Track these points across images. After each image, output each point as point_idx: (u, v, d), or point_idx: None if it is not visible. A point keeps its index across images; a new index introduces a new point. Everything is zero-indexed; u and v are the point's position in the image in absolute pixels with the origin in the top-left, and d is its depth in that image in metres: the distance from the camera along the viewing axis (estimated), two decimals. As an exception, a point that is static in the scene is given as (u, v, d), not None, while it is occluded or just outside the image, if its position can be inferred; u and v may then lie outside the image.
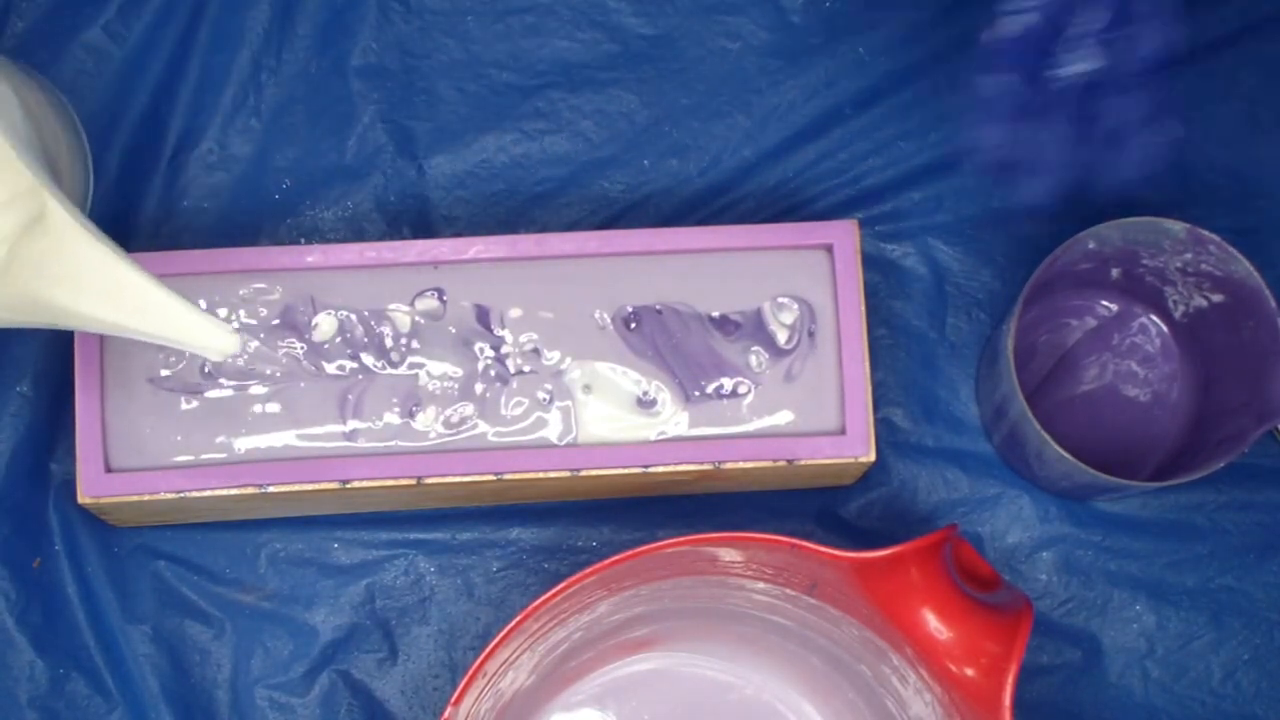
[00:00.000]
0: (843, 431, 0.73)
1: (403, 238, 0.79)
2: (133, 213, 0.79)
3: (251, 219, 0.80)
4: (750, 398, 0.73)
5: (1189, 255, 0.74)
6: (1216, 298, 0.76)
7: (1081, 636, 0.78)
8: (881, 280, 0.80)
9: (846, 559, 0.67)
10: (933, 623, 0.68)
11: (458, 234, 0.80)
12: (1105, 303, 0.80)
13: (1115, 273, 0.78)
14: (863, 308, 0.73)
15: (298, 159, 0.80)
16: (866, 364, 0.73)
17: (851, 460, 0.73)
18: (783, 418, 0.73)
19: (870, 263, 0.80)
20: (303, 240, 0.79)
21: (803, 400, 0.73)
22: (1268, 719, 0.78)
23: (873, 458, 0.73)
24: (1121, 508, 0.79)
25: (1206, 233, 0.73)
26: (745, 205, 0.80)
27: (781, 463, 0.72)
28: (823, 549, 0.67)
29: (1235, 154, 0.81)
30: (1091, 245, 0.74)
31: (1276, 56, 0.81)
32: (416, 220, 0.80)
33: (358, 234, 0.79)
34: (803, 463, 0.72)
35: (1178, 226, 0.73)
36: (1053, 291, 0.78)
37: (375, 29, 0.80)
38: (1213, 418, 0.77)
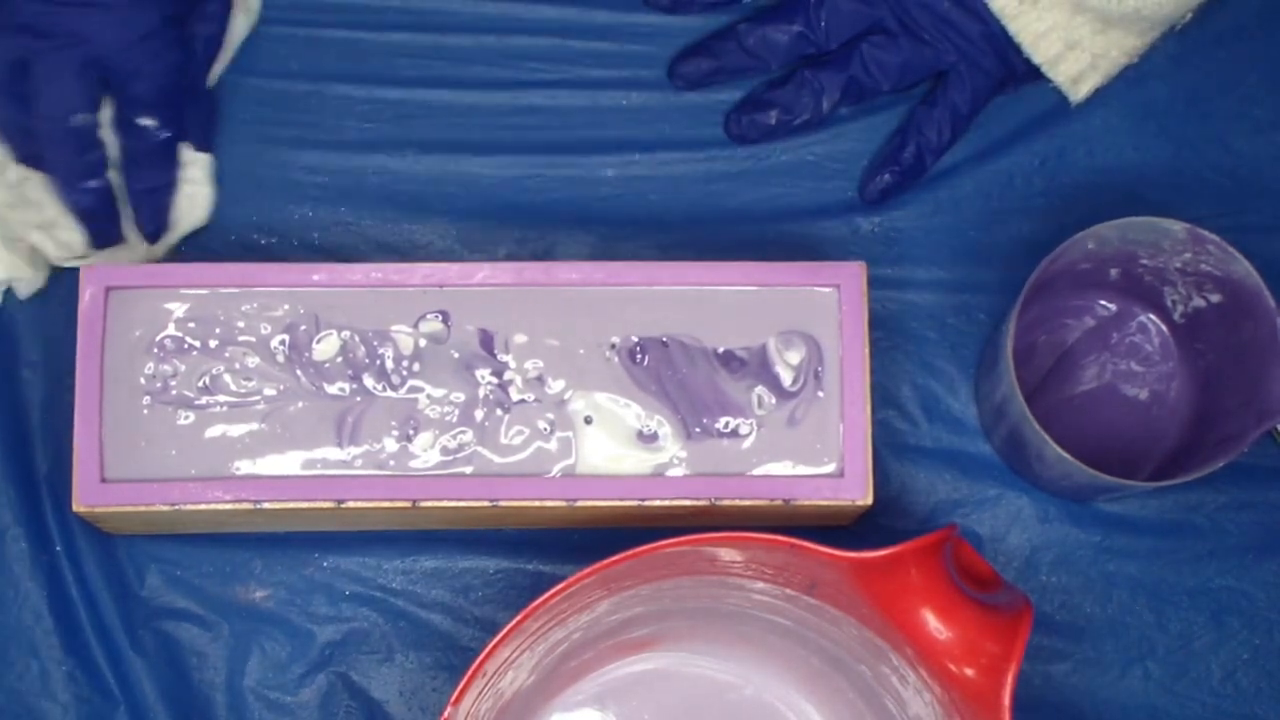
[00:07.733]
0: (841, 474, 0.73)
1: (398, 237, 0.79)
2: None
3: (247, 219, 0.79)
4: (752, 438, 0.73)
5: (1188, 255, 0.74)
6: (1216, 298, 0.76)
7: (1082, 636, 0.78)
8: (881, 280, 0.80)
9: (846, 559, 0.67)
10: (932, 623, 0.68)
11: (451, 232, 0.79)
12: (1104, 302, 0.80)
13: (1114, 273, 0.78)
14: (867, 350, 0.73)
15: (294, 158, 0.80)
16: (868, 408, 0.73)
17: (849, 503, 0.73)
18: (783, 459, 0.73)
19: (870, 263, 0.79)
20: (295, 242, 0.79)
21: (803, 443, 0.73)
22: (1268, 719, 0.78)
23: (870, 502, 0.72)
24: (1121, 508, 0.79)
25: (1206, 233, 0.73)
26: (742, 204, 0.80)
27: (778, 502, 0.72)
28: (822, 549, 0.67)
29: (1235, 154, 0.81)
30: (1091, 245, 0.74)
31: (1276, 56, 0.81)
32: (413, 219, 0.80)
33: (354, 234, 0.79)
34: (800, 503, 0.72)
35: (1177, 226, 0.73)
36: (1052, 291, 0.78)
37: (371, 28, 0.80)
38: (1212, 418, 0.77)
